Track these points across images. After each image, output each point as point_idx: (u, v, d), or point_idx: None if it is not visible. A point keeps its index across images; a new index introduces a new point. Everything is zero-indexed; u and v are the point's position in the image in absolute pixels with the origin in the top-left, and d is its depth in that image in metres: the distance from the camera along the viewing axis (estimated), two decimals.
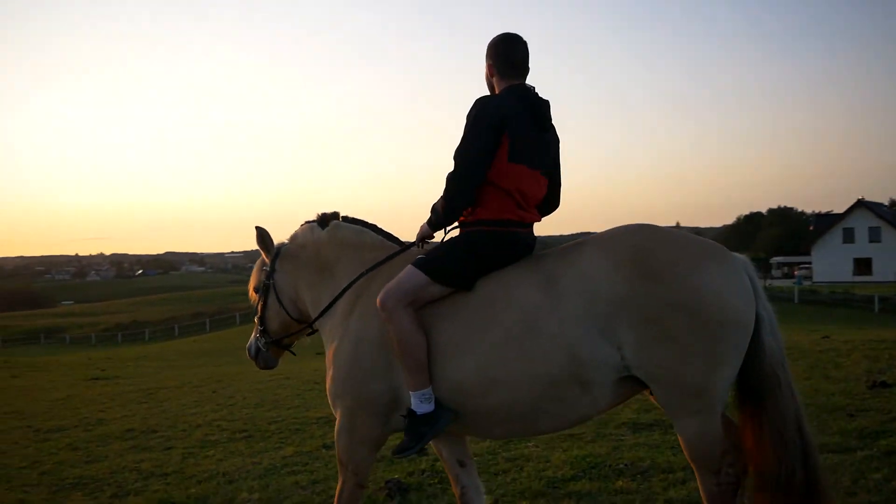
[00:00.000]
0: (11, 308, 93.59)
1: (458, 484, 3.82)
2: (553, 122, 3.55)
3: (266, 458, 6.48)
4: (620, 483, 4.84)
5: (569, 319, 3.11)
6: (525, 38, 3.53)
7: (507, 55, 3.49)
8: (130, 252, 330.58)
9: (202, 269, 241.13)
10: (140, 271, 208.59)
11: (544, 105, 3.49)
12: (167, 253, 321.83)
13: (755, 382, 3.13)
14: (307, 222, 4.07)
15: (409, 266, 3.42)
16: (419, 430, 3.32)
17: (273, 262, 4.03)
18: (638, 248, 3.12)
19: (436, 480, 5.33)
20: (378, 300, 3.40)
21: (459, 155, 3.38)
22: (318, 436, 7.33)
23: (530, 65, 3.53)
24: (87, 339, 58.45)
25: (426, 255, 3.45)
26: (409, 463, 5.78)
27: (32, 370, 21.59)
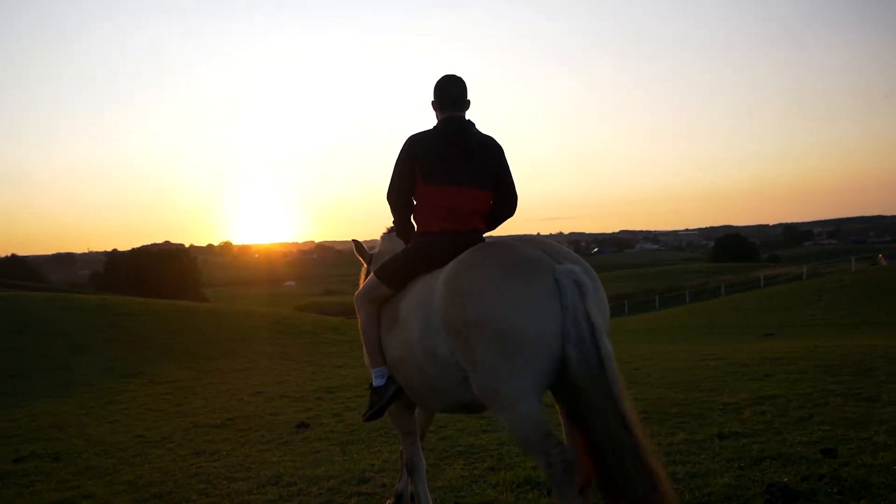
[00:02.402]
0: None
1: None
2: (482, 144, 4.01)
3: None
4: None
5: (420, 320, 3.67)
6: (462, 78, 4.10)
7: (444, 92, 4.06)
8: (587, 231, 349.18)
9: (655, 246, 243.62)
10: (595, 249, 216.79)
11: (466, 132, 3.99)
12: (622, 231, 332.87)
13: (561, 390, 3.31)
14: (385, 232, 4.92)
15: (372, 272, 4.21)
16: (373, 399, 4.12)
17: (370, 264, 4.97)
18: (458, 264, 3.52)
19: (835, 490, 4.40)
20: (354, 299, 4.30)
21: (388, 188, 4.10)
22: (717, 423, 6.66)
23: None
24: None
25: (383, 263, 4.15)
26: (807, 466, 4.89)
27: None
